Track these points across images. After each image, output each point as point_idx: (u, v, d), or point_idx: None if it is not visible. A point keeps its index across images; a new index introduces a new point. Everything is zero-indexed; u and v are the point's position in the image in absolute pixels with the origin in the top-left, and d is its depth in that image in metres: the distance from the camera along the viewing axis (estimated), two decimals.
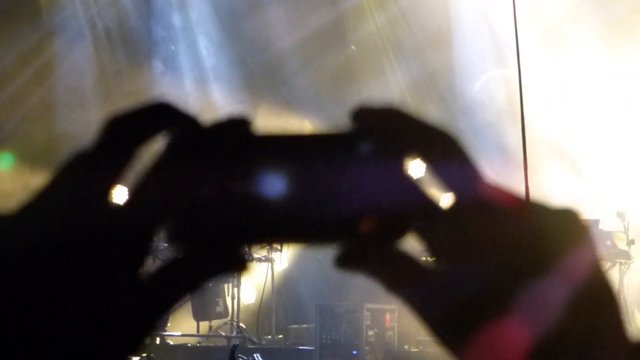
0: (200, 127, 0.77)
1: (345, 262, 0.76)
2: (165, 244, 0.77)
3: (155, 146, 0.78)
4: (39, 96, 14.19)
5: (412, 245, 0.77)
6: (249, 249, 0.80)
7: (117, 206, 0.75)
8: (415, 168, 0.76)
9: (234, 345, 9.90)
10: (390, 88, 14.76)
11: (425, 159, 0.76)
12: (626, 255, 11.02)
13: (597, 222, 11.16)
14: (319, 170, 0.76)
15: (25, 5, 14.11)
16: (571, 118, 13.22)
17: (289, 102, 15.02)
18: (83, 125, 12.80)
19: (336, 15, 15.19)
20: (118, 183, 0.75)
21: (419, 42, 14.65)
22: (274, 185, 0.76)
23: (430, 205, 0.76)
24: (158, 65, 15.04)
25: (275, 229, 0.77)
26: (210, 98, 15.03)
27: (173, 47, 15.21)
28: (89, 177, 0.75)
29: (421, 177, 0.77)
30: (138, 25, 15.03)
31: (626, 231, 11.19)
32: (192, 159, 0.76)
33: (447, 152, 0.76)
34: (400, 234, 0.76)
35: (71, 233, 0.74)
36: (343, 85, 14.54)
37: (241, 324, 11.77)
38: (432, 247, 0.76)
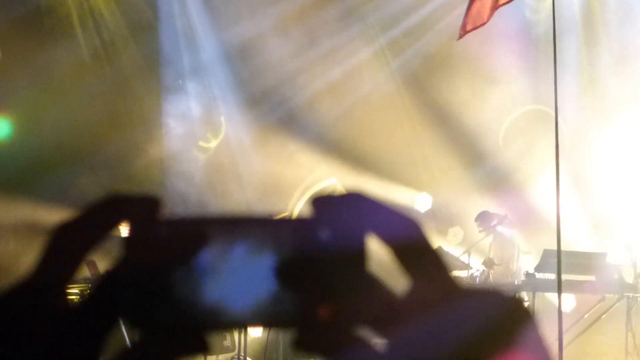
0: (153, 221, 0.75)
1: (302, 346, 0.76)
2: (127, 332, 0.77)
3: (110, 243, 0.77)
4: None
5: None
6: (212, 333, 0.79)
7: (73, 306, 0.75)
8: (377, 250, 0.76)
9: None
10: None
11: (386, 244, 0.76)
12: (634, 289, 10.98)
13: (604, 255, 11.16)
14: (280, 256, 0.76)
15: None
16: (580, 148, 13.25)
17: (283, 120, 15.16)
18: None
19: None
20: (70, 286, 0.75)
21: None
22: (236, 271, 0.76)
23: (388, 296, 0.76)
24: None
25: (236, 314, 0.77)
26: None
27: (180, 82, 15.35)
28: (42, 282, 0.75)
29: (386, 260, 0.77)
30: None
31: (634, 264, 11.16)
32: (148, 253, 0.75)
33: (409, 238, 0.76)
34: (357, 323, 0.76)
35: (28, 334, 0.74)
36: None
37: (248, 358, 11.73)
38: (388, 336, 0.76)
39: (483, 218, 11.81)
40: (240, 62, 15.33)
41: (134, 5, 14.93)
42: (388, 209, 0.77)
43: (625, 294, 10.96)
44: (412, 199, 14.99)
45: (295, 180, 14.89)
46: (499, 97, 14.46)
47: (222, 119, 15.49)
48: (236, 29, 15.08)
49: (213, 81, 15.50)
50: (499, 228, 11.72)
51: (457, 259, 11.44)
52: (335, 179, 15.03)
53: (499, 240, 11.69)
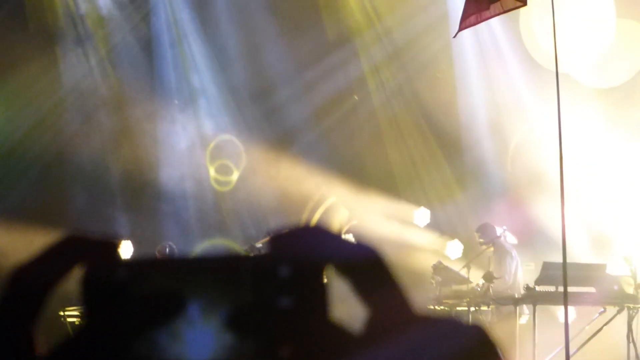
0: (110, 264, 0.74)
1: None
2: None
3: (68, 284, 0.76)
4: None
5: None
6: None
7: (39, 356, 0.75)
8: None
9: None
10: None
11: (345, 276, 0.75)
12: (634, 300, 10.97)
13: (604, 266, 11.17)
14: (239, 301, 0.75)
15: None
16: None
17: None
18: None
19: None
20: (31, 331, 0.75)
21: None
22: (193, 321, 0.75)
23: (348, 334, 0.76)
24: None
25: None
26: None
27: (176, 102, 15.42)
28: (2, 328, 0.75)
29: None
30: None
31: (634, 275, 11.15)
32: (105, 300, 0.74)
33: (368, 268, 0.75)
34: None
35: None
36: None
37: None
38: None
39: (484, 230, 11.83)
40: (241, 85, 15.43)
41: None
42: (345, 240, 0.77)
43: (626, 305, 10.94)
44: (411, 214, 15.01)
45: (301, 198, 14.91)
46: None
47: (242, 149, 15.49)
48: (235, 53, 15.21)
49: (213, 105, 15.54)
50: (499, 240, 11.73)
51: (457, 273, 11.44)
52: (335, 197, 15.06)
53: (499, 253, 11.69)
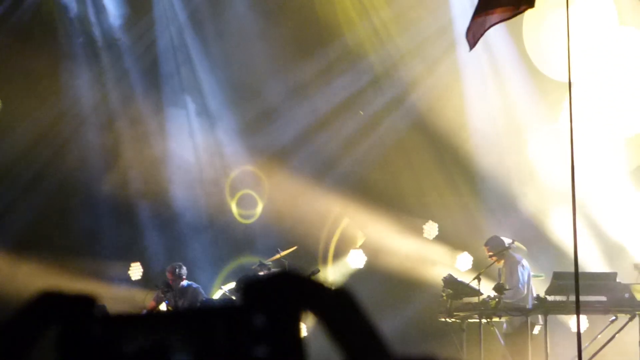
0: (88, 318, 0.74)
1: None
2: None
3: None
4: None
5: None
6: None
7: None
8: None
9: None
10: None
11: (319, 320, 0.76)
12: None
13: (614, 275, 11.17)
14: (214, 348, 0.76)
15: None
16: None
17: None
18: None
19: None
20: None
21: None
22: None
23: None
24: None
25: None
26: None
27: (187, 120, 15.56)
28: None
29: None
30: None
31: None
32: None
33: (341, 312, 0.76)
34: None
35: None
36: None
37: None
38: None
39: (493, 243, 11.80)
40: (247, 103, 15.52)
41: None
42: (317, 285, 0.78)
43: (637, 313, 10.93)
44: (420, 228, 15.03)
45: (315, 216, 14.95)
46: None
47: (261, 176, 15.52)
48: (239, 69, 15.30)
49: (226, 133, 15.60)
50: (509, 252, 11.72)
51: (468, 285, 11.43)
52: (348, 219, 15.09)
53: (510, 264, 11.69)
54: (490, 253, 11.73)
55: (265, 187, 15.49)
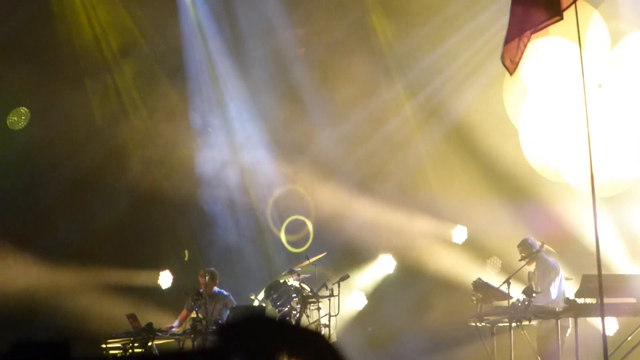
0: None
1: None
2: None
3: None
4: None
5: None
6: None
7: None
8: None
9: None
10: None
11: None
12: None
13: None
14: None
15: None
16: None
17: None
18: None
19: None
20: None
21: None
22: None
23: None
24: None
25: None
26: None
27: (210, 129, 15.63)
28: None
29: None
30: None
31: None
32: None
33: (315, 352, 0.78)
34: None
35: None
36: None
37: None
38: None
39: (525, 245, 11.91)
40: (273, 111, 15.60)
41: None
42: (291, 327, 0.82)
43: None
44: (449, 232, 15.05)
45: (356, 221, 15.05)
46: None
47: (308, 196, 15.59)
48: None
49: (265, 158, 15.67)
50: (541, 255, 11.77)
51: (497, 289, 11.44)
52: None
53: (542, 267, 11.74)
54: (523, 254, 11.80)
55: (311, 205, 15.50)
